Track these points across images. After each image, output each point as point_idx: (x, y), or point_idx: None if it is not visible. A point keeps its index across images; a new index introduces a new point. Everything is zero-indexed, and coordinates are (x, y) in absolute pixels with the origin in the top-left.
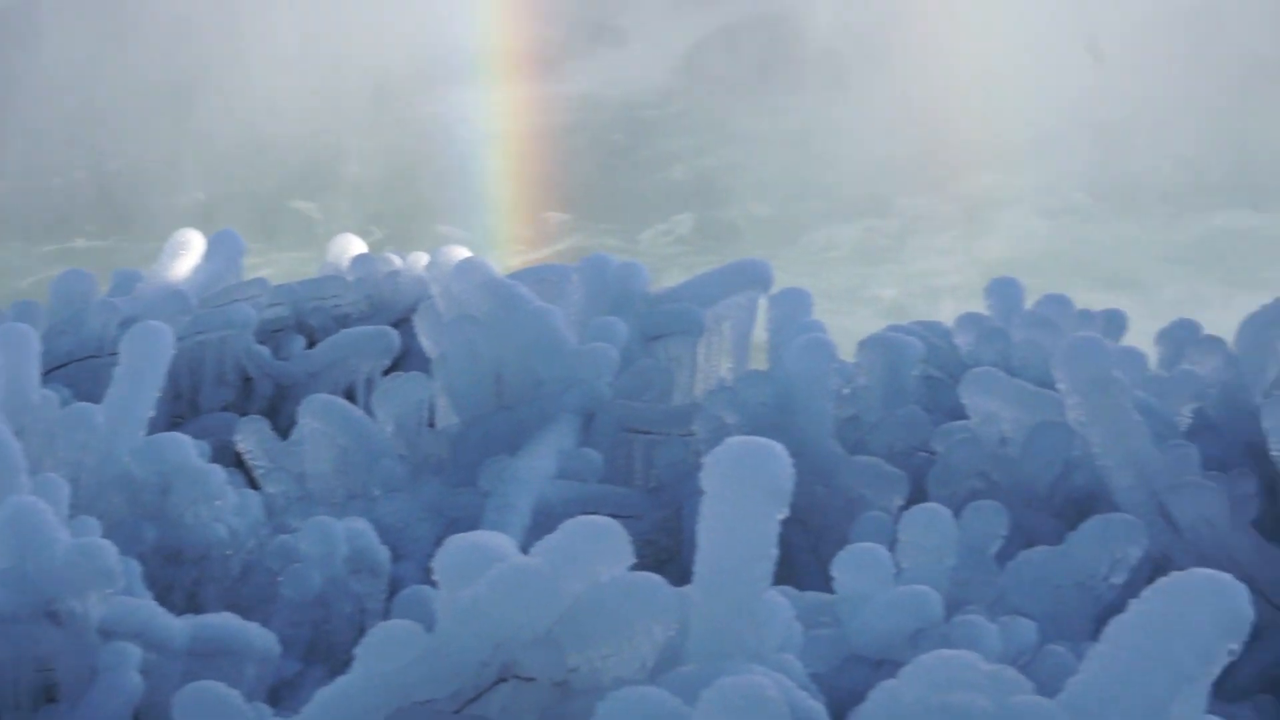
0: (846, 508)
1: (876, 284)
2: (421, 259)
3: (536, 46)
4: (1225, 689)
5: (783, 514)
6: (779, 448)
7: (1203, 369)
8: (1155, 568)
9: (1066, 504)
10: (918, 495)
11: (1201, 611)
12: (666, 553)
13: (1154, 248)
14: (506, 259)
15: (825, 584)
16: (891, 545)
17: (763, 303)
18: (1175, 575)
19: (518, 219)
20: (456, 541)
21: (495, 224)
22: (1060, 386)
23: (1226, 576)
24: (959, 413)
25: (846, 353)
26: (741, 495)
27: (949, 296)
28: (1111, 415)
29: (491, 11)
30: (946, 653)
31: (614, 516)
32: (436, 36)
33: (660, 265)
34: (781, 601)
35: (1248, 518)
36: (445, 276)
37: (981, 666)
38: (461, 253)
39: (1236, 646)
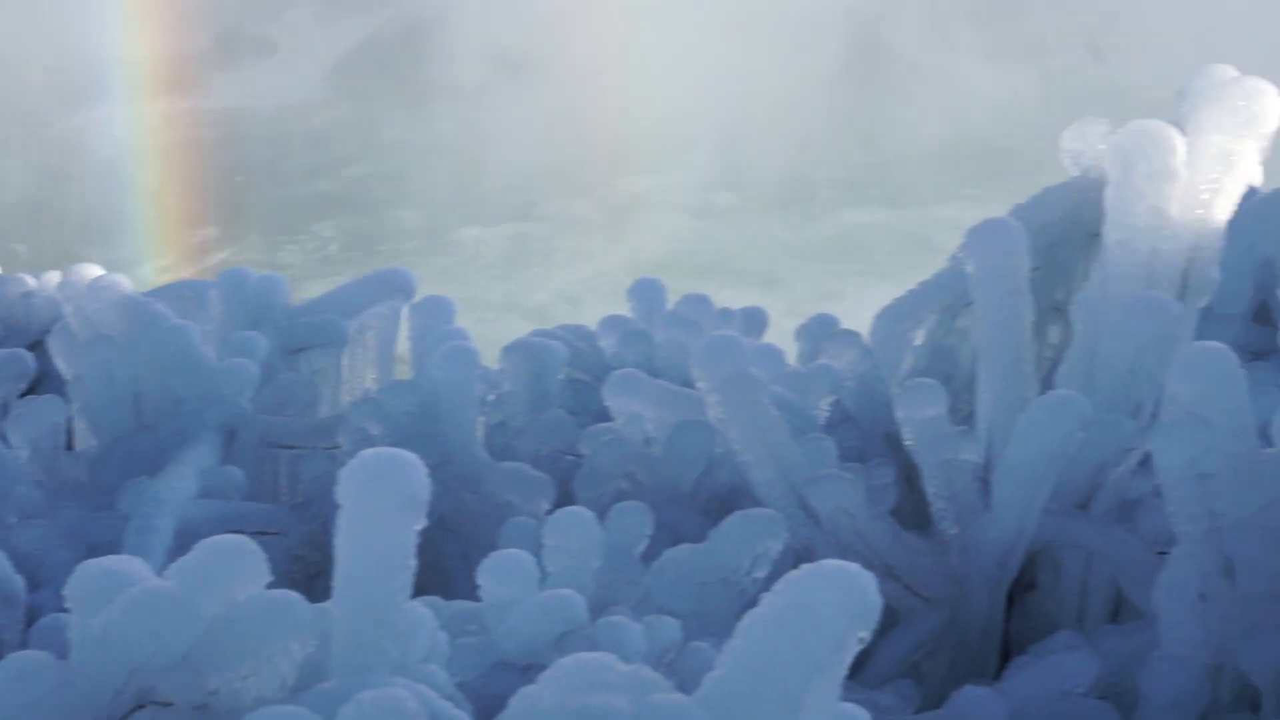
0: (495, 514)
1: (524, 290)
2: (55, 278)
3: (182, 59)
4: (866, 675)
5: (420, 524)
6: (413, 457)
7: (840, 362)
8: (798, 560)
9: (711, 501)
10: (565, 499)
11: (830, 601)
12: (315, 567)
13: (793, 245)
14: (154, 277)
15: (476, 591)
16: (538, 550)
17: (406, 312)
18: (804, 567)
19: (165, 236)
20: (88, 567)
21: (143, 241)
22: (699, 385)
23: (854, 566)
24: (605, 415)
25: (493, 360)
26: (376, 507)
27: (594, 299)
28: (749, 412)
29: (135, 24)
30: (584, 655)
31: (259, 534)
32: (79, 52)
33: (307, 277)
34: (424, 612)
35: (886, 506)
36: (78, 295)
37: (619, 667)
38: (94, 271)
39: (866, 634)
